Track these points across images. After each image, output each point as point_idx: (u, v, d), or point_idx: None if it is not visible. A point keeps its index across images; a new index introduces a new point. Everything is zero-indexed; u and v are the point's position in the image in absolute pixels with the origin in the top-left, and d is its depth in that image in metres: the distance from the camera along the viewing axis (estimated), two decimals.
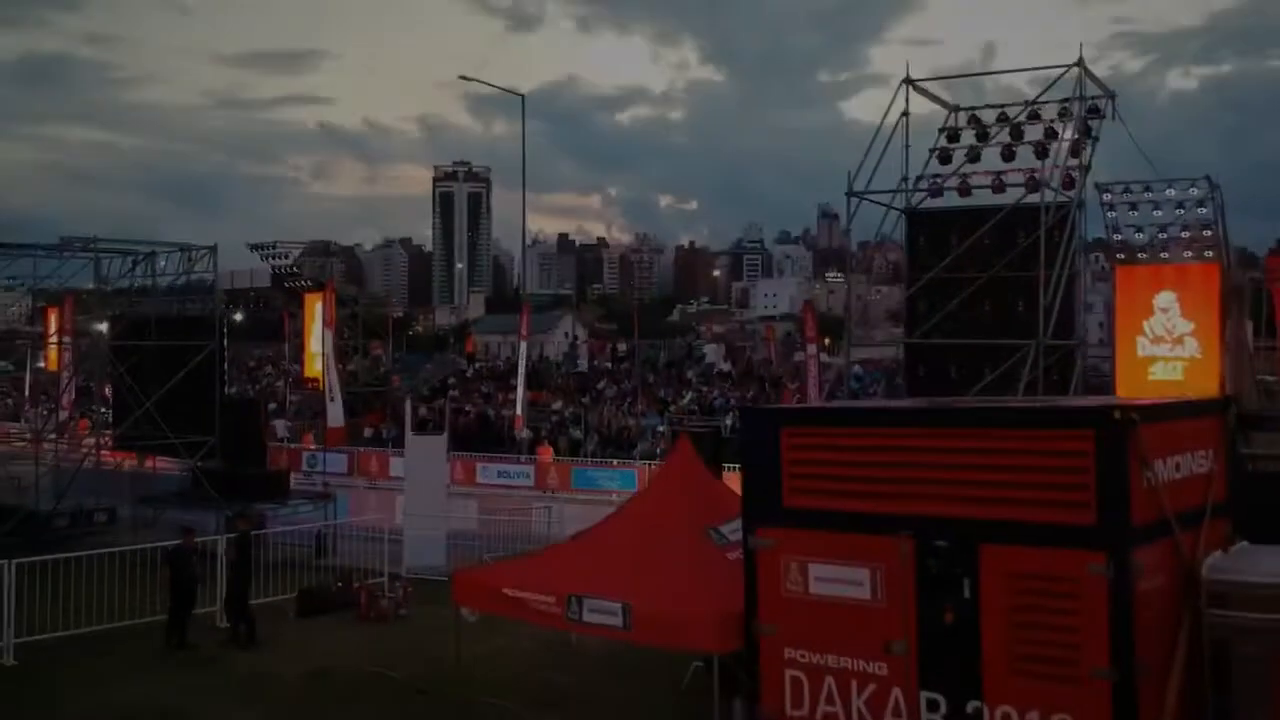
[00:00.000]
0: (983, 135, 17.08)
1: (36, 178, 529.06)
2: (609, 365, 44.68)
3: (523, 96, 35.58)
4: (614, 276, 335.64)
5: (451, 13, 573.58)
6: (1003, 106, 17.16)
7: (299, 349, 47.45)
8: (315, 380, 41.48)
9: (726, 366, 42.90)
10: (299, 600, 16.50)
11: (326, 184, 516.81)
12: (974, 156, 16.94)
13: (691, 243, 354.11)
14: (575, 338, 53.66)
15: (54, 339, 35.74)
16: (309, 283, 43.01)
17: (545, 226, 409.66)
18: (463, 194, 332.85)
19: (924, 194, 16.73)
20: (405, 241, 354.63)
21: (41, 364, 60.43)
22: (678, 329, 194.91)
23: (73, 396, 31.85)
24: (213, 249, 22.91)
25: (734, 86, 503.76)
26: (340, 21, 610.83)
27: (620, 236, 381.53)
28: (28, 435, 27.10)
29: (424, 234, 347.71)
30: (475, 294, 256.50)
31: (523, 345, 31.74)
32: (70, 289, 31.77)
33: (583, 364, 46.06)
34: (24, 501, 22.67)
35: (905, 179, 17.18)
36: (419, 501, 19.98)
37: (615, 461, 29.68)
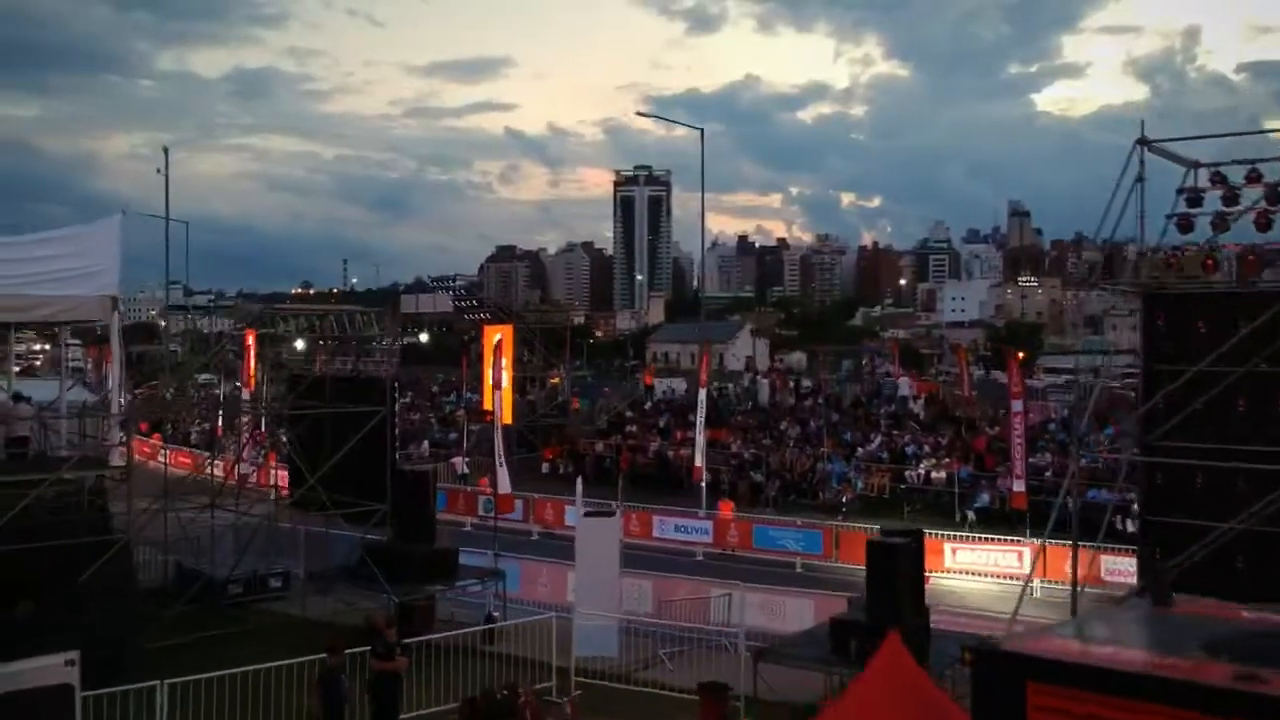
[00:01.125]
0: (1231, 199, 14.61)
1: (244, 186, 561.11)
2: (792, 402, 42.77)
3: (701, 130, 34.19)
4: (794, 278, 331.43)
5: (632, 17, 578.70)
6: (1255, 162, 14.61)
7: (479, 376, 47.42)
8: (493, 415, 41.28)
9: (918, 405, 40.37)
10: (461, 715, 15.47)
11: (512, 189, 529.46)
12: (1222, 225, 14.47)
13: (875, 243, 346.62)
14: (756, 373, 51.52)
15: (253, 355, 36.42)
16: (488, 315, 42.72)
17: (725, 227, 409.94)
18: (643, 198, 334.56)
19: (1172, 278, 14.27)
20: (587, 245, 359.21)
21: (239, 384, 62.89)
22: (860, 333, 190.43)
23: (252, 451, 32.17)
24: (383, 310, 22.34)
25: (919, 81, 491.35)
26: (524, 29, 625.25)
27: (801, 235, 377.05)
28: (214, 477, 27.17)
29: (605, 236, 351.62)
30: (655, 298, 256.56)
31: (702, 393, 30.28)
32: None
33: (762, 392, 44.34)
34: (201, 564, 22.57)
35: (1143, 251, 14.84)
36: (590, 587, 18.78)
37: (799, 521, 27.91)
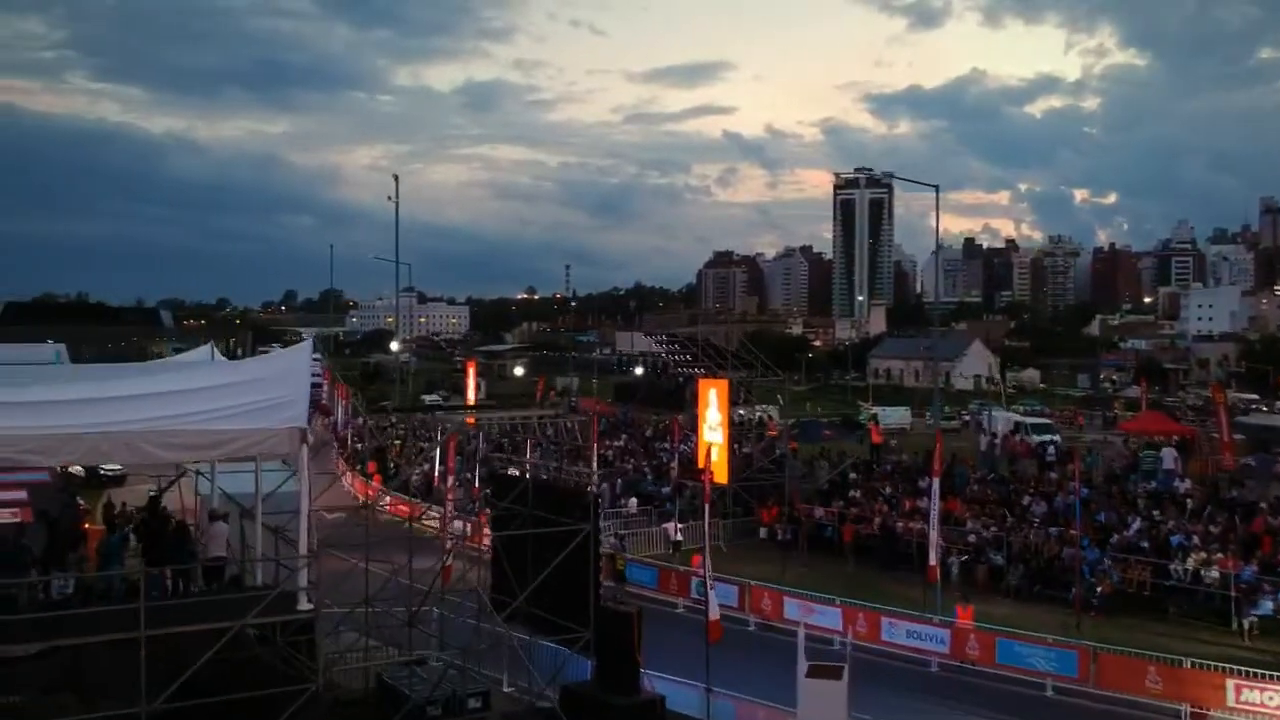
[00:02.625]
0: None
1: (473, 194, 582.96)
2: (1034, 475, 38.84)
3: (936, 187, 31.25)
4: (1024, 282, 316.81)
5: (852, 14, 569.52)
6: None
7: (695, 420, 45.66)
8: (707, 473, 39.30)
9: (1182, 481, 35.81)
10: None
11: (730, 191, 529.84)
12: None
13: (1111, 244, 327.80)
14: (994, 437, 47.44)
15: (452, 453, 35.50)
16: (701, 370, 40.84)
17: (950, 226, 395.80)
18: (863, 201, 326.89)
19: None
20: (805, 250, 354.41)
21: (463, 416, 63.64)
22: (1097, 344, 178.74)
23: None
24: (586, 419, 20.62)
25: (1157, 70, 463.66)
26: (742, 31, 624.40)
27: (1030, 233, 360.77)
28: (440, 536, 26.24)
29: (824, 238, 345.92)
30: (876, 306, 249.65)
31: (935, 483, 27.30)
32: None
33: (998, 455, 40.57)
34: (400, 680, 21.45)
35: None
36: None
37: (1050, 639, 24.64)
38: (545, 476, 22.49)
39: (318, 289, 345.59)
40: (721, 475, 38.66)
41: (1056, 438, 49.18)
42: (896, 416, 77.35)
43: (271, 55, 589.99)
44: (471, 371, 62.50)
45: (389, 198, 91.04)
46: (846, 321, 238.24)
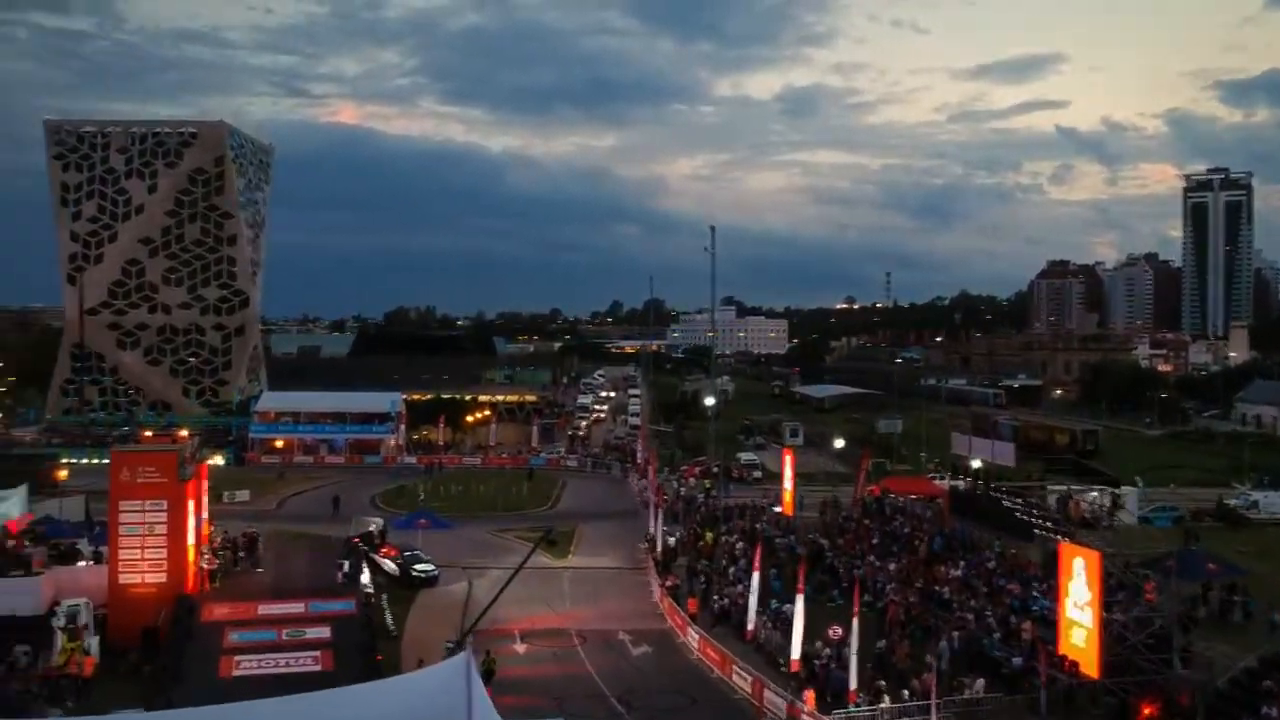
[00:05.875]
0: None
1: (791, 200, 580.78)
2: None
3: None
4: None
5: None
6: None
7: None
8: (1067, 662, 33.37)
9: None
10: None
11: (1064, 190, 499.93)
12: None
13: None
14: None
15: None
16: (1062, 532, 34.81)
17: None
18: (1218, 204, 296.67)
19: None
20: (1150, 258, 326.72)
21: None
22: None
23: None
24: None
25: None
26: (1077, 21, 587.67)
27: None
28: None
29: (1171, 237, 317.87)
30: (1237, 329, 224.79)
31: None
32: None
33: None
34: None
35: None
36: None
37: None
38: None
39: (641, 299, 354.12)
40: (1090, 666, 32.81)
41: None
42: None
43: (600, 73, 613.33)
44: (788, 463, 58.63)
45: (705, 248, 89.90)
46: (1202, 345, 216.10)
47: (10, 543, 37.85)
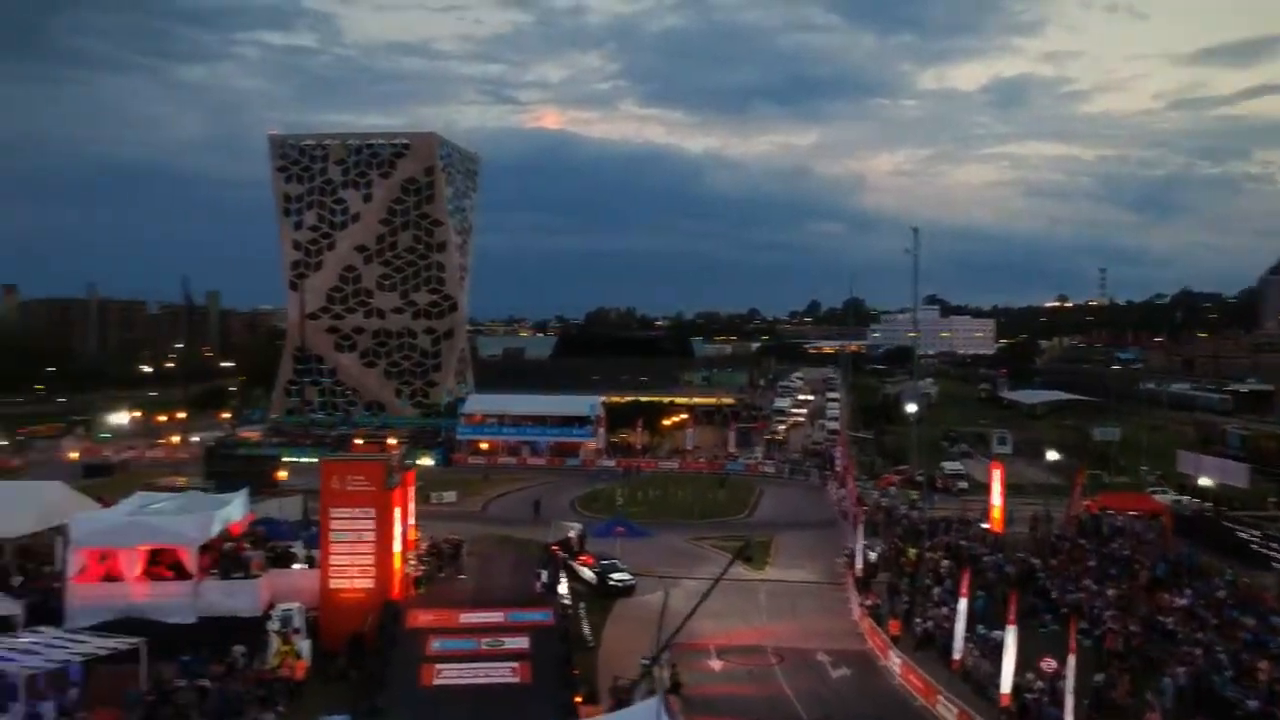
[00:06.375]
0: None
1: (1000, 194, 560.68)
2: None
3: None
4: None
5: None
6: None
7: None
8: None
9: None
10: None
11: None
12: None
13: None
14: None
15: None
16: None
17: None
18: None
19: None
20: None
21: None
22: None
23: None
24: None
25: None
26: None
27: None
28: None
29: None
30: None
31: None
32: None
33: None
34: None
35: None
36: None
37: None
38: None
39: (841, 298, 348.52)
40: None
41: None
42: None
43: (800, 70, 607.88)
44: (997, 477, 55.81)
45: (906, 250, 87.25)
46: None
47: (231, 545, 39.75)
